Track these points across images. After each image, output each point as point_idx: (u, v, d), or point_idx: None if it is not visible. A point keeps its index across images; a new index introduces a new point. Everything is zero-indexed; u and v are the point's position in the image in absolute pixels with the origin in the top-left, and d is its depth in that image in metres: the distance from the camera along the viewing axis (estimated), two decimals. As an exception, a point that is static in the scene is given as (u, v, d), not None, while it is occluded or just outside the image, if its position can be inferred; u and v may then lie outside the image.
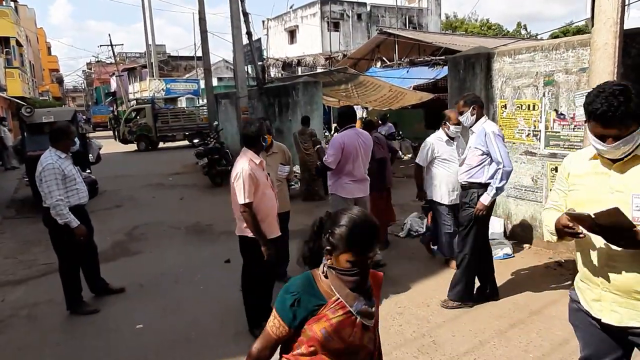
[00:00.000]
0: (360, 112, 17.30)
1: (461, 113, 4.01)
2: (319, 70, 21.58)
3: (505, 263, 5.03)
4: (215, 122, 12.25)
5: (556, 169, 5.08)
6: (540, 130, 5.20)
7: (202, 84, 27.11)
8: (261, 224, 3.70)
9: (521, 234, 5.59)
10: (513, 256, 5.18)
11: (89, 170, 10.17)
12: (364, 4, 33.23)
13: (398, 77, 12.65)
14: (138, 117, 19.78)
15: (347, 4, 32.67)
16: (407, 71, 14.68)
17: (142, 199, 9.82)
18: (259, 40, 11.70)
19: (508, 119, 5.55)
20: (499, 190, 3.82)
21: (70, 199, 4.21)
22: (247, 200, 3.58)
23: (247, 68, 11.77)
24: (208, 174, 10.61)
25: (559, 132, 5.01)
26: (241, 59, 10.85)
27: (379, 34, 16.10)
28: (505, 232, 5.73)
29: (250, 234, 3.69)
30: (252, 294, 3.89)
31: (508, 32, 34.35)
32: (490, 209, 3.93)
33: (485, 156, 3.87)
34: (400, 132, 14.44)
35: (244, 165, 3.67)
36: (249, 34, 11.06)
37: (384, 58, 16.22)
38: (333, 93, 11.08)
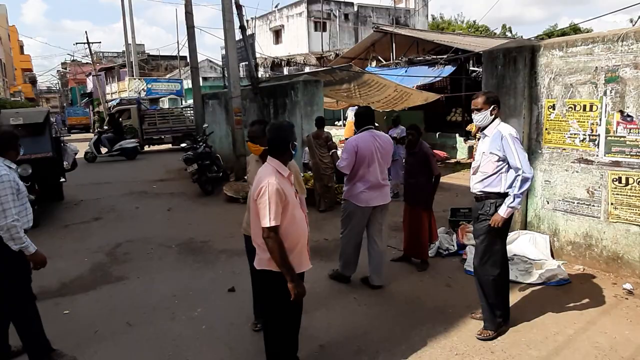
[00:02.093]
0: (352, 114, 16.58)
1: (478, 110, 3.51)
2: (307, 70, 20.77)
3: (564, 291, 4.29)
4: (205, 125, 11.30)
5: (620, 180, 4.38)
6: (599, 135, 4.49)
7: (186, 84, 26.00)
8: (289, 254, 2.87)
9: (572, 254, 4.88)
10: (570, 281, 4.45)
11: (63, 179, 9.13)
12: (351, 4, 32.63)
13: (399, 75, 11.95)
14: (121, 119, 18.60)
15: (334, 4, 32.01)
16: (406, 70, 14.02)
17: (124, 209, 8.80)
18: (252, 35, 10.85)
19: (557, 122, 4.83)
20: (518, 198, 3.33)
21: (22, 219, 3.32)
22: (272, 223, 2.76)
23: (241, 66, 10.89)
24: (198, 182, 9.67)
25: (624, 137, 4.31)
26: (234, 55, 9.97)
27: (375, 31, 15.38)
28: (551, 250, 5.01)
29: (277, 268, 2.86)
30: (278, 344, 3.04)
31: (495, 34, 34.19)
32: (508, 221, 3.44)
33: (502, 162, 3.41)
34: (400, 135, 13.72)
35: (269, 177, 2.84)
36: (242, 28, 10.16)
37: (379, 57, 15.51)
38: (333, 93, 10.27)
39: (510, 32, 38.61)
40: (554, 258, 4.95)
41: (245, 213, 3.79)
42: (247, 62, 10.42)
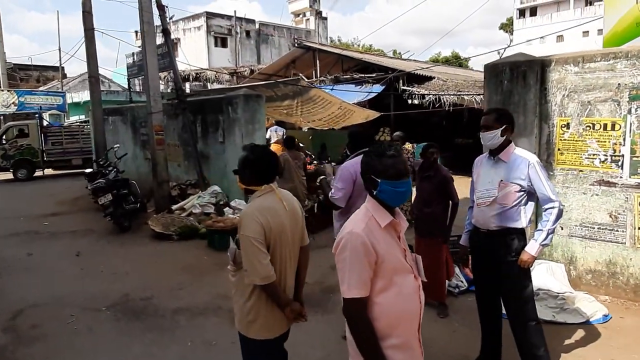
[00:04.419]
0: (280, 133, 15.65)
1: (487, 129, 3.07)
2: (215, 86, 19.32)
3: (612, 330, 3.86)
4: (116, 145, 9.39)
5: (648, 203, 4.14)
6: (622, 155, 4.24)
7: (69, 98, 22.44)
8: (382, 342, 1.89)
9: (592, 283, 4.54)
10: (611, 317, 4.05)
11: None
12: (253, 21, 31.90)
13: (331, 89, 11.40)
14: (5, 137, 15.08)
15: (235, 20, 30.95)
16: (332, 88, 13.59)
17: (11, 258, 6.62)
18: (173, 42, 9.33)
19: (572, 142, 4.51)
20: (552, 234, 2.99)
21: None
22: (354, 294, 1.85)
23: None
24: (112, 216, 7.80)
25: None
26: (154, 63, 8.41)
27: (297, 47, 14.73)
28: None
29: None
30: None
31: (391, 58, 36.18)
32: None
33: (522, 193, 3.05)
34: (329, 156, 13.13)
35: (355, 225, 1.93)
36: (165, 31, 8.65)
37: (300, 74, 14.87)
38: (270, 110, 9.26)
39: (400, 57, 41.27)
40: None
41: (233, 293, 2.52)
42: (168, 72, 8.88)
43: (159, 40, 9.63)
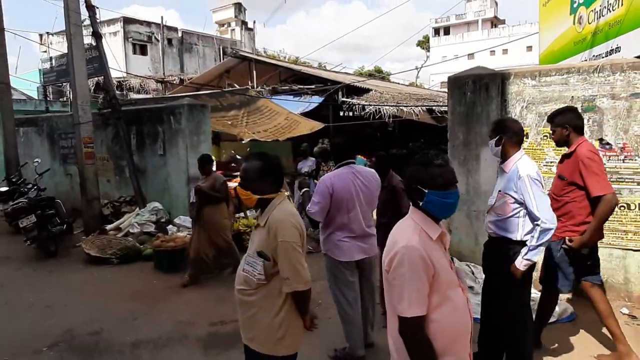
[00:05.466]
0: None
1: (489, 138, 3.24)
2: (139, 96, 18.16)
3: (580, 326, 4.10)
4: (36, 160, 8.31)
5: (600, 206, 4.47)
6: (577, 162, 4.55)
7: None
8: None
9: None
10: (576, 314, 4.29)
11: None
12: (175, 29, 30.66)
13: (278, 99, 11.21)
14: None
15: (155, 26, 29.54)
16: (270, 99, 13.39)
17: None
18: (89, 46, 8.46)
19: (531, 150, 4.77)
20: (534, 250, 2.88)
21: None
22: (414, 312, 1.75)
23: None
24: (36, 240, 6.84)
25: (603, 164, 4.43)
26: (82, 69, 7.63)
27: (232, 57, 14.29)
28: (530, 282, 4.86)
29: None
30: None
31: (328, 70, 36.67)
32: (530, 269, 3.00)
33: (518, 205, 3.00)
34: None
35: (409, 237, 1.81)
36: (96, 34, 7.88)
37: (235, 85, 14.46)
38: (213, 121, 8.81)
39: (325, 69, 42.07)
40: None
41: (253, 313, 2.30)
42: (102, 77, 8.11)
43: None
